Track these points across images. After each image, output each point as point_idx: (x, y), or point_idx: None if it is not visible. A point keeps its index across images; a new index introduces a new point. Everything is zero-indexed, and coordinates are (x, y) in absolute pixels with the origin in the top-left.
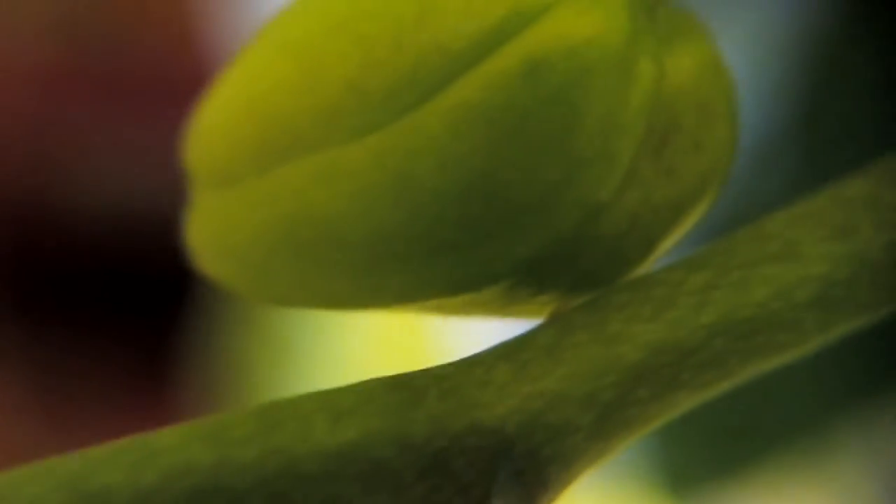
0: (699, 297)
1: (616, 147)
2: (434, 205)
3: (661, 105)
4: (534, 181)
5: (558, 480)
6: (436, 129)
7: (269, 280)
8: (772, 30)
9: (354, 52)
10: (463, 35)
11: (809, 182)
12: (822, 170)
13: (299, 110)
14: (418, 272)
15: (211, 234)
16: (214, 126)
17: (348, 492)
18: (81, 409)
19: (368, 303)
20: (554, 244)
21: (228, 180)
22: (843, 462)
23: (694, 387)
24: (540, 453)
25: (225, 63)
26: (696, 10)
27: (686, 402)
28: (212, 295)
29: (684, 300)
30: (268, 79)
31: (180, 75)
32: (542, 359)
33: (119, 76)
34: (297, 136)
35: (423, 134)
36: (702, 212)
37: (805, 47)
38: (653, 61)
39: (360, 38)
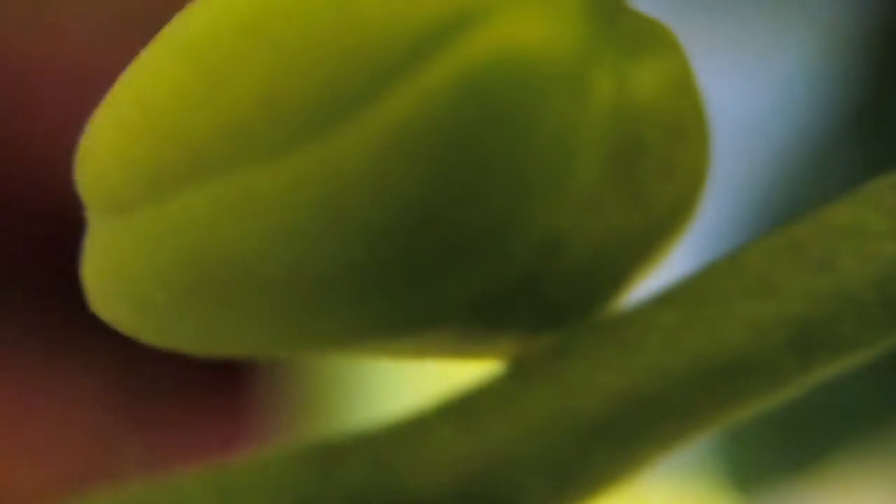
0: (669, 338)
1: (572, 170)
2: (365, 238)
3: (625, 123)
4: (479, 210)
5: None
6: (362, 149)
7: (173, 325)
8: (831, 27)
9: (266, 59)
10: (390, 40)
11: (868, 179)
12: (880, 166)
13: (201, 125)
14: (353, 315)
15: (104, 270)
16: (106, 142)
17: None
18: (160, 411)
19: (298, 348)
20: (508, 280)
21: (122, 207)
22: None
23: (661, 439)
24: None
25: None
26: (749, 11)
27: (652, 457)
28: None
29: (653, 342)
30: (164, 87)
31: None
32: (491, 416)
33: None
34: (201, 156)
35: (348, 155)
36: (676, 243)
37: (864, 44)
38: (612, 74)
39: (273, 42)
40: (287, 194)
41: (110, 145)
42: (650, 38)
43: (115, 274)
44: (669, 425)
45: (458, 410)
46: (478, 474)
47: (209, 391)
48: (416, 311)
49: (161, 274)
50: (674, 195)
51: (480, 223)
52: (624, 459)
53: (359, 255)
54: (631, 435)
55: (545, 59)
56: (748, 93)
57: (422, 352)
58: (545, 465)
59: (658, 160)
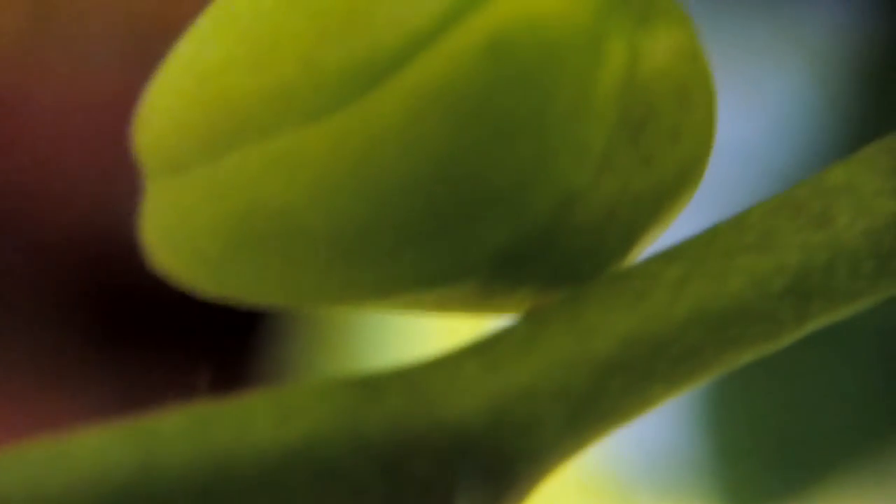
0: (675, 288)
1: (588, 131)
2: (399, 193)
3: (636, 89)
4: (503, 167)
5: (527, 477)
6: (396, 111)
7: (227, 275)
8: (824, 54)
9: (307, 28)
10: (421, 8)
11: None
12: None
13: (249, 91)
14: (388, 266)
15: (163, 227)
16: (162, 109)
17: (295, 497)
18: None
19: (337, 299)
20: (528, 234)
21: (179, 168)
22: None
23: (669, 380)
24: (507, 450)
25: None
26: (743, 38)
27: (661, 396)
28: (289, 314)
29: (660, 292)
30: (216, 57)
31: None
32: (513, 354)
33: None
34: (249, 120)
35: (383, 116)
36: (683, 204)
37: (857, 70)
38: (625, 42)
39: (313, 12)
40: (328, 152)
41: (166, 112)
42: (660, 10)
43: (173, 229)
44: (676, 366)
45: (485, 349)
46: (502, 404)
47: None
48: (445, 263)
49: (215, 227)
50: (681, 158)
51: (505, 178)
52: (634, 396)
53: (393, 209)
54: (640, 373)
55: (562, 26)
56: (741, 119)
57: (447, 306)
58: (562, 398)
59: (667, 124)
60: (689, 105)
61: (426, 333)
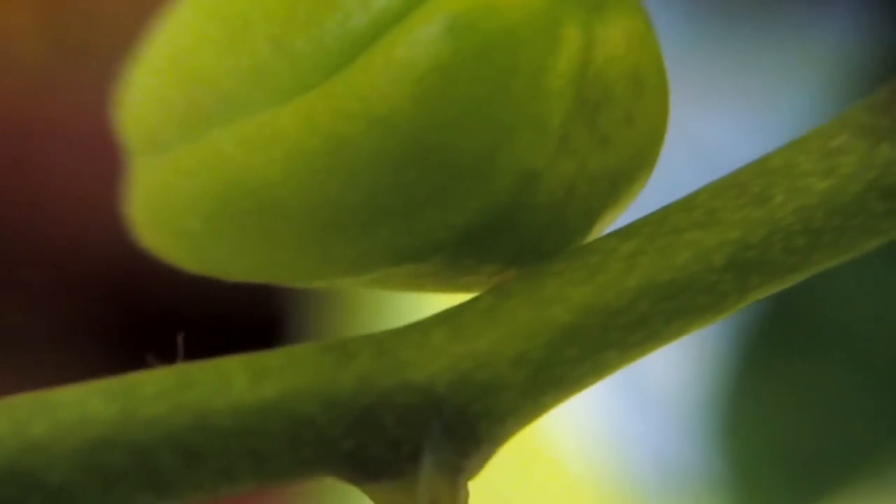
0: (628, 262)
1: (545, 112)
2: (368, 169)
3: (591, 73)
4: (465, 145)
5: (490, 436)
6: (363, 89)
7: (208, 251)
8: (832, 71)
9: (278, 10)
10: None
11: None
12: None
13: (224, 71)
14: (360, 242)
15: (146, 204)
16: (141, 89)
17: (269, 446)
18: None
19: (313, 275)
20: (491, 211)
21: (159, 146)
22: None
23: (621, 346)
24: (470, 410)
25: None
26: (752, 55)
27: (614, 363)
28: (306, 317)
29: (614, 265)
30: (191, 38)
31: None
32: (478, 322)
33: None
34: (226, 99)
35: (352, 94)
36: (640, 186)
37: (865, 87)
38: (580, 28)
39: None
40: (300, 130)
41: (146, 92)
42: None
43: (155, 206)
44: (627, 334)
45: (451, 317)
46: (466, 367)
47: None
48: (414, 239)
49: (196, 203)
50: (636, 140)
51: (468, 156)
52: (588, 362)
53: (363, 186)
54: (594, 340)
55: (519, 11)
56: (749, 136)
57: (417, 283)
58: (521, 363)
59: (621, 108)
60: (642, 90)
61: None
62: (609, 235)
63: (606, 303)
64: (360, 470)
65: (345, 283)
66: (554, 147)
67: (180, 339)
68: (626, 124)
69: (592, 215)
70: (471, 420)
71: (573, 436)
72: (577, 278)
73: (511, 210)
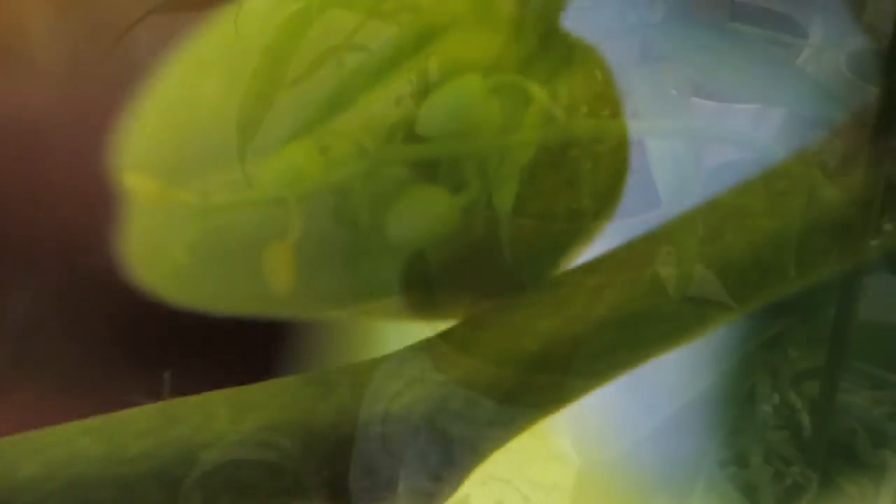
0: (594, 295)
1: (512, 155)
2: (351, 213)
3: (556, 123)
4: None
5: (465, 461)
6: (347, 139)
7: (199, 287)
8: (826, 78)
9: (268, 69)
10: (369, 54)
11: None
12: None
13: (217, 124)
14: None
15: (142, 244)
16: (139, 136)
17: (251, 477)
18: None
19: (299, 309)
20: (465, 249)
21: (152, 192)
22: None
23: (588, 375)
24: (446, 436)
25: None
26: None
27: (581, 391)
28: (310, 339)
29: (581, 298)
30: (186, 93)
31: None
32: (452, 352)
33: None
34: (215, 149)
35: (335, 144)
36: (604, 223)
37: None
38: (545, 84)
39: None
40: (285, 178)
41: (142, 139)
42: (578, 54)
43: (151, 246)
44: (594, 363)
45: (427, 347)
46: (441, 396)
47: None
48: (395, 274)
49: (186, 242)
50: (599, 182)
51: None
52: (558, 389)
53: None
54: (563, 369)
55: (489, 73)
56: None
57: (400, 314)
58: (493, 391)
59: (584, 153)
60: (604, 137)
61: None
62: (577, 268)
63: (574, 333)
64: (339, 498)
65: (329, 316)
66: (521, 186)
67: (167, 375)
68: (590, 169)
69: (558, 252)
70: (446, 445)
71: (574, 435)
72: (546, 311)
73: (484, 247)
